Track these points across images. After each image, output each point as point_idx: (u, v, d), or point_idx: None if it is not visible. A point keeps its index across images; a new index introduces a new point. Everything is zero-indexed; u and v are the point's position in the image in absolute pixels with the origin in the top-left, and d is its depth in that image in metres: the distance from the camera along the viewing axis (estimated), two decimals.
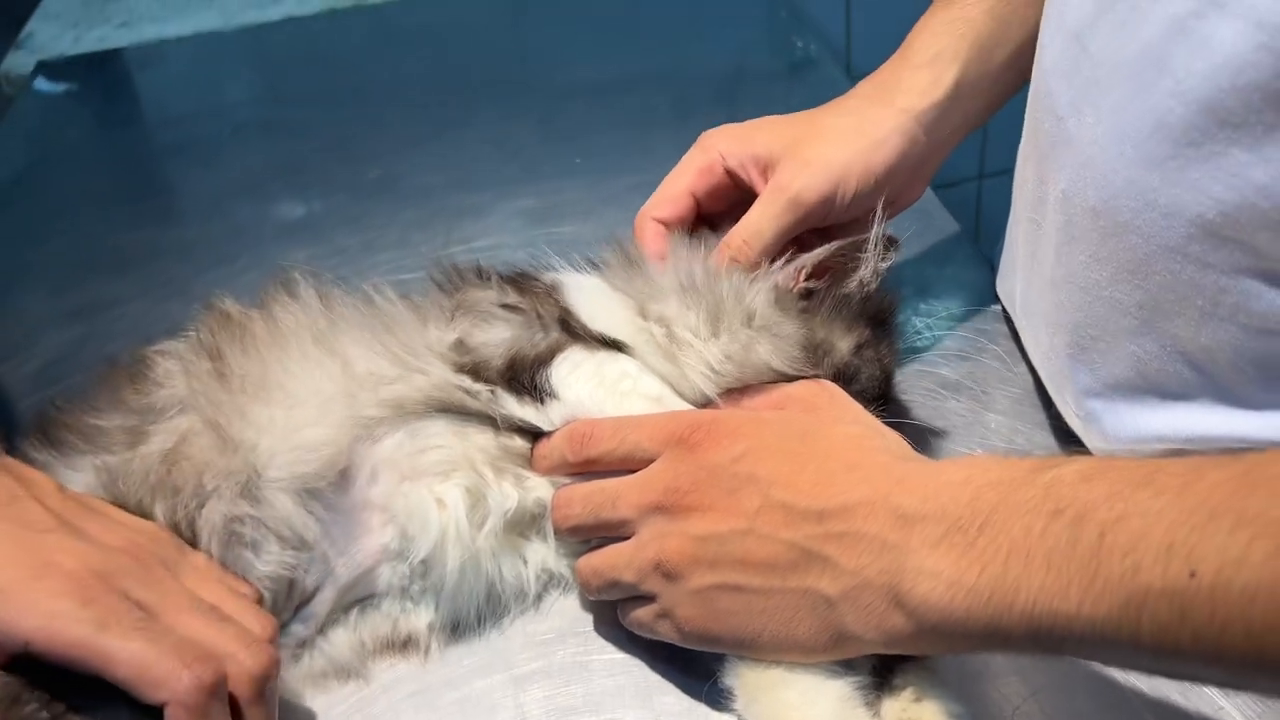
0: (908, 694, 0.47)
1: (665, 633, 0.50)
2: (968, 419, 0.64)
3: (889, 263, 0.59)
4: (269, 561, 0.49)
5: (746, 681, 0.48)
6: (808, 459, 0.47)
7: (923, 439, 0.63)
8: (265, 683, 0.44)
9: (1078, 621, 0.37)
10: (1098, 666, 0.49)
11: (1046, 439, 0.63)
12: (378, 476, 0.52)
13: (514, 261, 0.64)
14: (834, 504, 0.45)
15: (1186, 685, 0.49)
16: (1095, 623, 0.37)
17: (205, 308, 0.57)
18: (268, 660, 0.44)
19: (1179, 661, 0.36)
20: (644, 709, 0.51)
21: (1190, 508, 0.35)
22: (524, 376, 0.54)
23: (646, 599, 0.50)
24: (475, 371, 0.54)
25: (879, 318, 0.60)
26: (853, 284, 0.58)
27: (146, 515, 0.49)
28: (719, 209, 0.63)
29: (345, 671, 0.53)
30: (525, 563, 0.55)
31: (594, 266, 0.61)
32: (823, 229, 0.63)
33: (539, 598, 0.56)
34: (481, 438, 0.54)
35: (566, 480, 0.54)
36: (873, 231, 0.58)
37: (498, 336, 0.56)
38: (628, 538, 0.51)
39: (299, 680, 0.52)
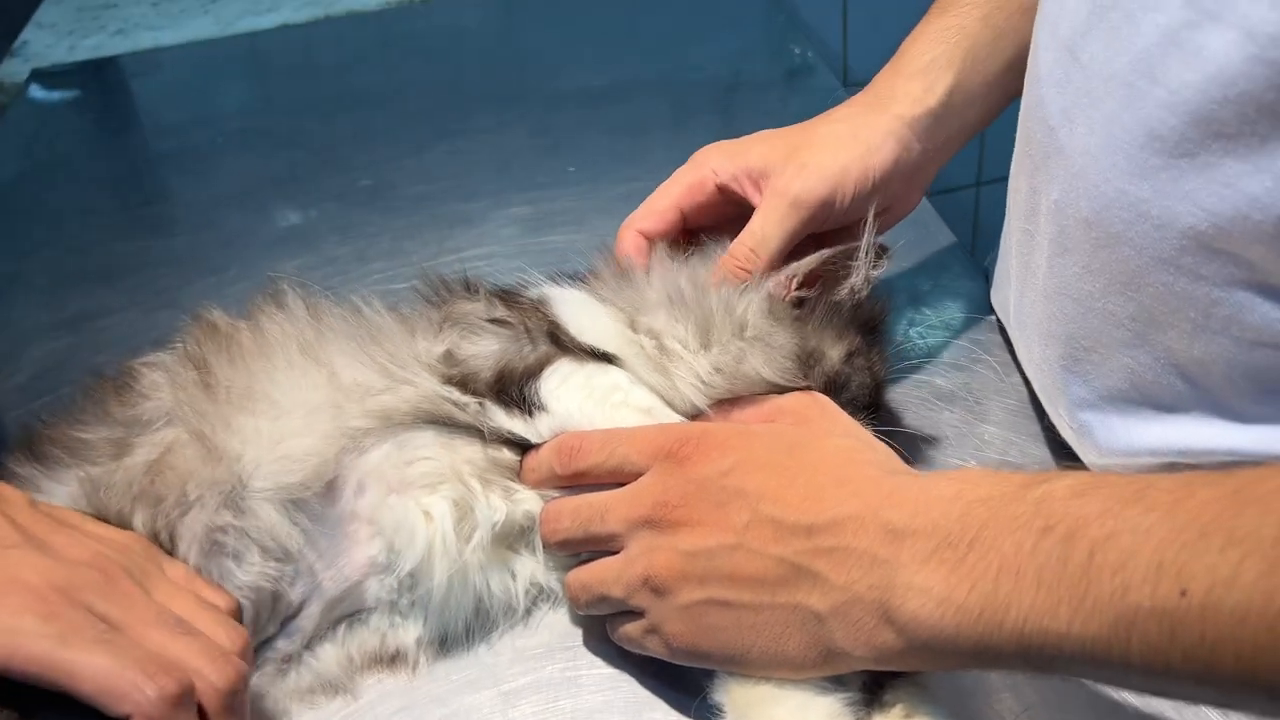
0: (898, 710, 0.47)
1: (654, 648, 0.50)
2: (961, 430, 0.64)
3: (880, 270, 0.59)
4: (250, 572, 0.49)
5: (736, 697, 0.48)
6: (797, 473, 0.47)
7: (916, 450, 0.62)
8: (232, 696, 0.43)
9: (1068, 640, 0.37)
10: (1091, 684, 0.49)
11: (1041, 451, 0.63)
12: (365, 488, 0.52)
13: (507, 270, 0.63)
14: (823, 519, 0.45)
15: (1181, 704, 0.48)
16: (1085, 642, 0.37)
17: (192, 318, 0.56)
18: (234, 674, 0.44)
19: (1170, 681, 0.36)
20: None
21: (1181, 525, 0.35)
22: (513, 389, 0.54)
23: (635, 614, 0.50)
24: (464, 383, 0.54)
25: (870, 325, 0.59)
26: (844, 292, 0.58)
27: (126, 525, 0.49)
28: (706, 224, 0.63)
29: (332, 686, 0.52)
30: (514, 576, 0.54)
31: (582, 279, 0.61)
32: (817, 236, 0.62)
33: (528, 612, 0.55)
34: (469, 450, 0.53)
35: (555, 493, 0.54)
36: (863, 239, 0.57)
37: (486, 349, 0.55)
38: (617, 552, 0.50)
39: (285, 695, 0.52)
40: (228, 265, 0.82)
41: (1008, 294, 0.65)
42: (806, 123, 0.64)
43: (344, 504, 0.52)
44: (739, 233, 0.60)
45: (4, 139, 1.04)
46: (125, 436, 0.52)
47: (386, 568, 0.52)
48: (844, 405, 0.54)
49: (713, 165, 0.62)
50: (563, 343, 0.56)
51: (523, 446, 0.54)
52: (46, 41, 1.21)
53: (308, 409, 0.52)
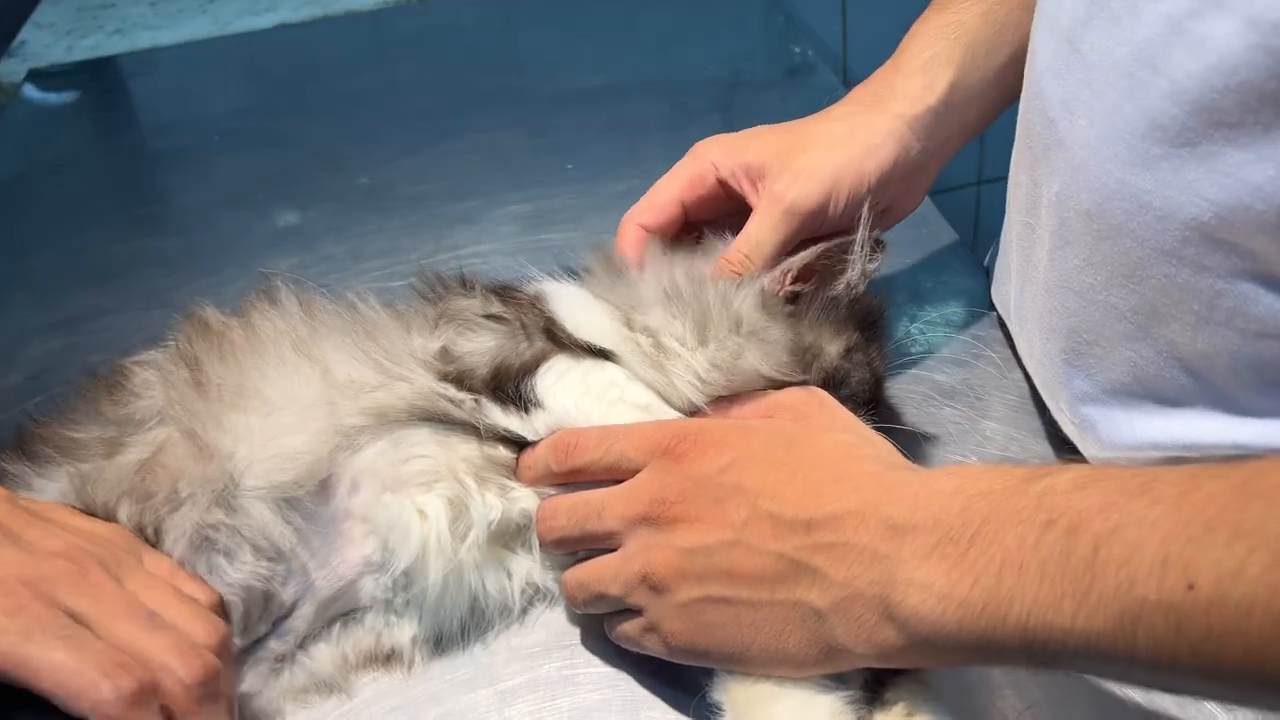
0: (900, 708, 0.46)
1: (652, 647, 0.49)
2: (963, 426, 0.64)
3: (876, 265, 0.58)
4: (242, 571, 0.49)
5: (735, 696, 0.47)
6: (795, 468, 0.46)
7: (916, 446, 0.62)
8: (201, 690, 0.43)
9: (1072, 635, 0.37)
10: (1095, 680, 0.48)
11: (1042, 446, 0.62)
12: (359, 486, 0.51)
13: (504, 268, 0.63)
14: (823, 514, 0.44)
15: (1186, 699, 0.48)
16: (1090, 636, 0.36)
17: (184, 316, 0.56)
18: (202, 668, 0.43)
19: (1176, 676, 0.36)
20: None
21: (1186, 519, 0.35)
22: (509, 385, 0.53)
23: (633, 612, 0.49)
24: (459, 380, 0.53)
25: (868, 320, 0.59)
26: (840, 286, 0.57)
27: (111, 518, 0.49)
28: (707, 218, 0.63)
29: (327, 686, 0.52)
30: (510, 575, 0.54)
31: (578, 275, 0.61)
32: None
33: (524, 611, 0.55)
34: (465, 447, 0.53)
35: (552, 491, 0.53)
36: (859, 233, 0.57)
37: (483, 345, 0.55)
38: (614, 549, 0.50)
39: (279, 695, 0.51)
40: (224, 265, 0.82)
41: (1008, 289, 0.65)
42: (805, 120, 0.64)
43: (338, 502, 0.51)
44: (739, 227, 0.59)
45: (1, 139, 1.03)
46: (117, 435, 0.51)
47: (381, 567, 0.51)
48: (843, 401, 0.54)
49: (712, 158, 0.61)
50: (559, 339, 0.55)
51: (519, 444, 0.54)
52: (44, 41, 1.21)
53: (300, 406, 0.51)
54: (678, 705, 0.50)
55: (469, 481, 0.52)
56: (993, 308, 0.71)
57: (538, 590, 0.55)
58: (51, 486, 0.50)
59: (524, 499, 0.53)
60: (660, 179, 0.63)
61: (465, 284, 0.59)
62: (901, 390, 0.66)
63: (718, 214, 0.62)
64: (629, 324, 0.56)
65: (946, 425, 0.64)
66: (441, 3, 1.23)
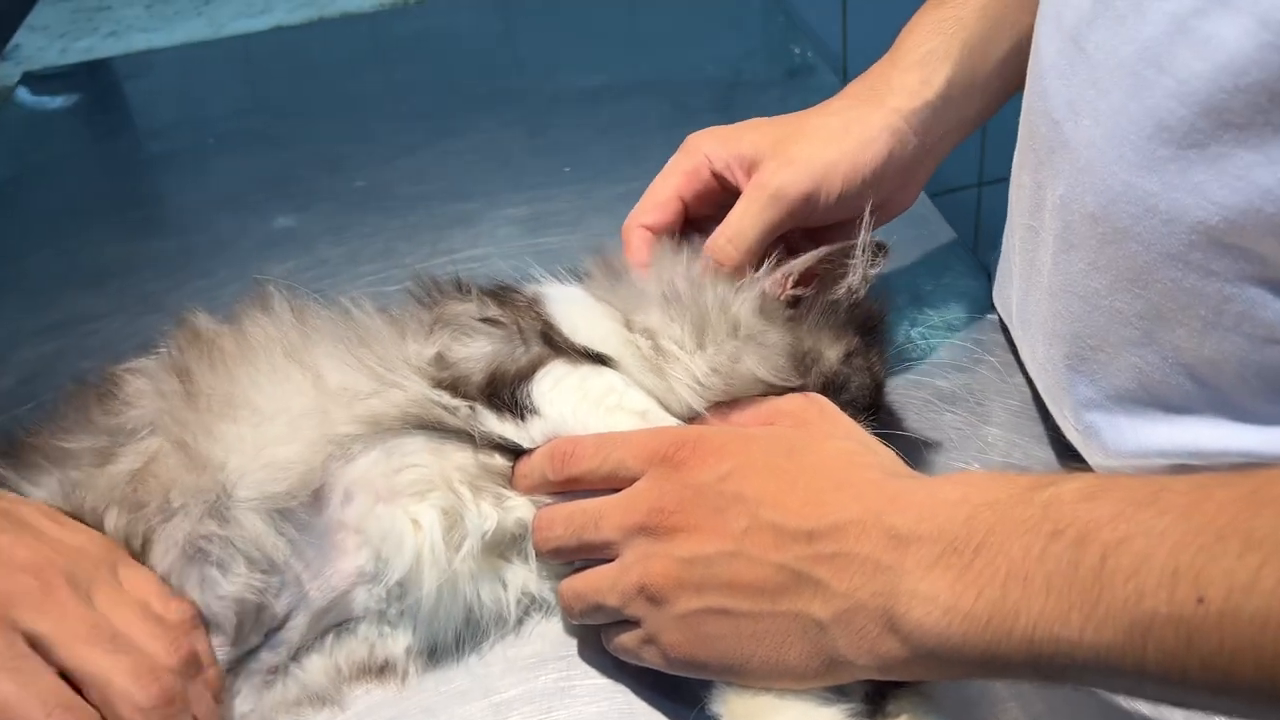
0: None
1: (650, 659, 0.48)
2: (964, 432, 0.63)
3: (878, 269, 0.58)
4: (235, 583, 0.48)
5: (735, 709, 0.47)
6: (796, 476, 0.46)
7: (917, 452, 0.61)
8: (158, 715, 0.43)
9: (1080, 648, 0.36)
10: (1101, 694, 0.48)
11: (1045, 452, 0.61)
12: (352, 497, 0.51)
13: (502, 271, 0.62)
14: (824, 524, 0.43)
15: (1195, 714, 0.47)
16: (1099, 650, 0.35)
17: (176, 323, 0.55)
18: (159, 692, 0.43)
19: (1187, 691, 0.35)
20: None
21: (1196, 529, 0.34)
22: (504, 392, 0.53)
23: (631, 624, 0.49)
24: (454, 387, 0.53)
25: (868, 325, 0.58)
26: (840, 291, 0.57)
27: (99, 525, 0.48)
28: (707, 213, 0.62)
29: (320, 698, 0.51)
30: (505, 586, 0.53)
31: (576, 278, 0.60)
32: (814, 233, 0.61)
33: (520, 622, 0.54)
34: (460, 456, 0.52)
35: (548, 500, 0.52)
36: (860, 237, 0.56)
37: (478, 351, 0.54)
38: (612, 559, 0.49)
39: (272, 707, 0.50)
40: (220, 268, 0.81)
41: (1010, 292, 0.64)
42: (800, 113, 0.63)
43: (331, 513, 0.51)
44: None
45: None
46: (109, 445, 0.51)
47: (374, 577, 0.51)
48: (843, 406, 0.53)
49: (706, 151, 0.61)
50: (556, 344, 0.54)
51: (515, 452, 0.53)
52: (39, 44, 1.20)
53: (292, 415, 0.50)
54: (676, 717, 0.50)
55: (463, 491, 0.51)
56: (993, 310, 0.70)
57: (534, 601, 0.54)
58: (39, 493, 0.49)
59: (520, 508, 0.53)
60: (657, 177, 0.62)
61: (461, 288, 0.58)
62: (902, 395, 0.65)
63: (718, 209, 0.61)
64: (628, 325, 0.56)
65: (948, 431, 0.63)
66: (438, 4, 1.22)
